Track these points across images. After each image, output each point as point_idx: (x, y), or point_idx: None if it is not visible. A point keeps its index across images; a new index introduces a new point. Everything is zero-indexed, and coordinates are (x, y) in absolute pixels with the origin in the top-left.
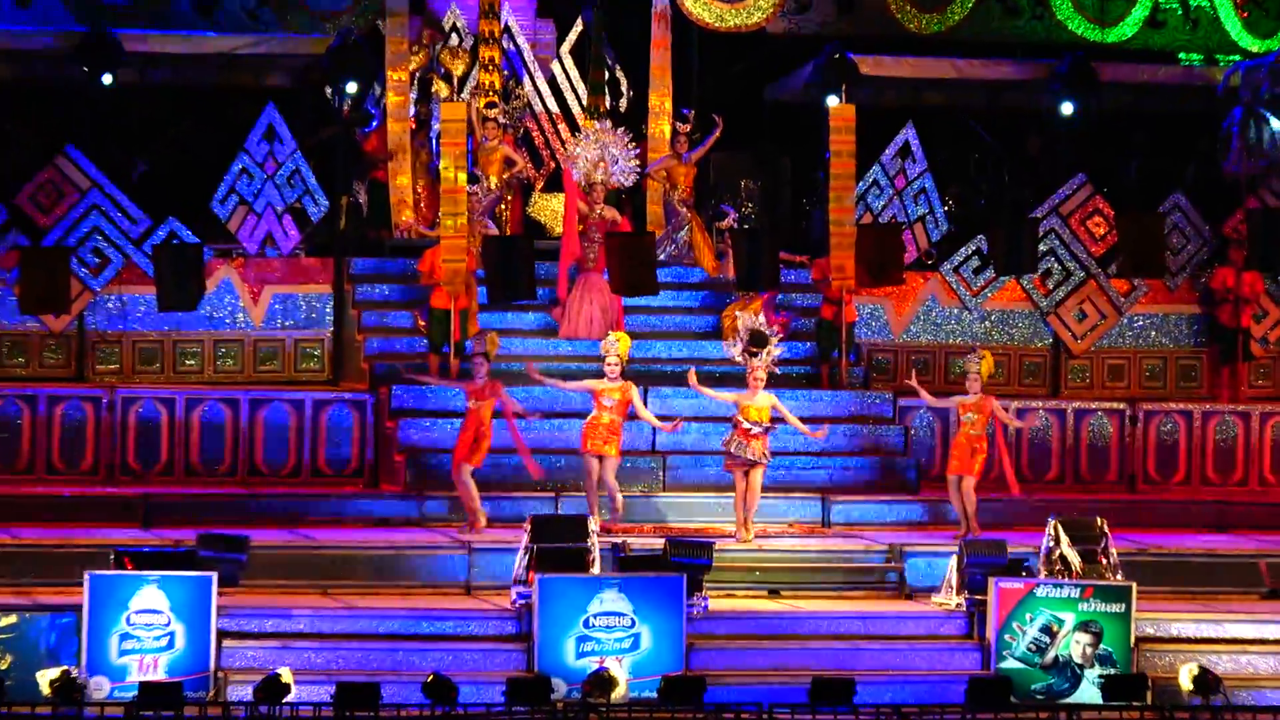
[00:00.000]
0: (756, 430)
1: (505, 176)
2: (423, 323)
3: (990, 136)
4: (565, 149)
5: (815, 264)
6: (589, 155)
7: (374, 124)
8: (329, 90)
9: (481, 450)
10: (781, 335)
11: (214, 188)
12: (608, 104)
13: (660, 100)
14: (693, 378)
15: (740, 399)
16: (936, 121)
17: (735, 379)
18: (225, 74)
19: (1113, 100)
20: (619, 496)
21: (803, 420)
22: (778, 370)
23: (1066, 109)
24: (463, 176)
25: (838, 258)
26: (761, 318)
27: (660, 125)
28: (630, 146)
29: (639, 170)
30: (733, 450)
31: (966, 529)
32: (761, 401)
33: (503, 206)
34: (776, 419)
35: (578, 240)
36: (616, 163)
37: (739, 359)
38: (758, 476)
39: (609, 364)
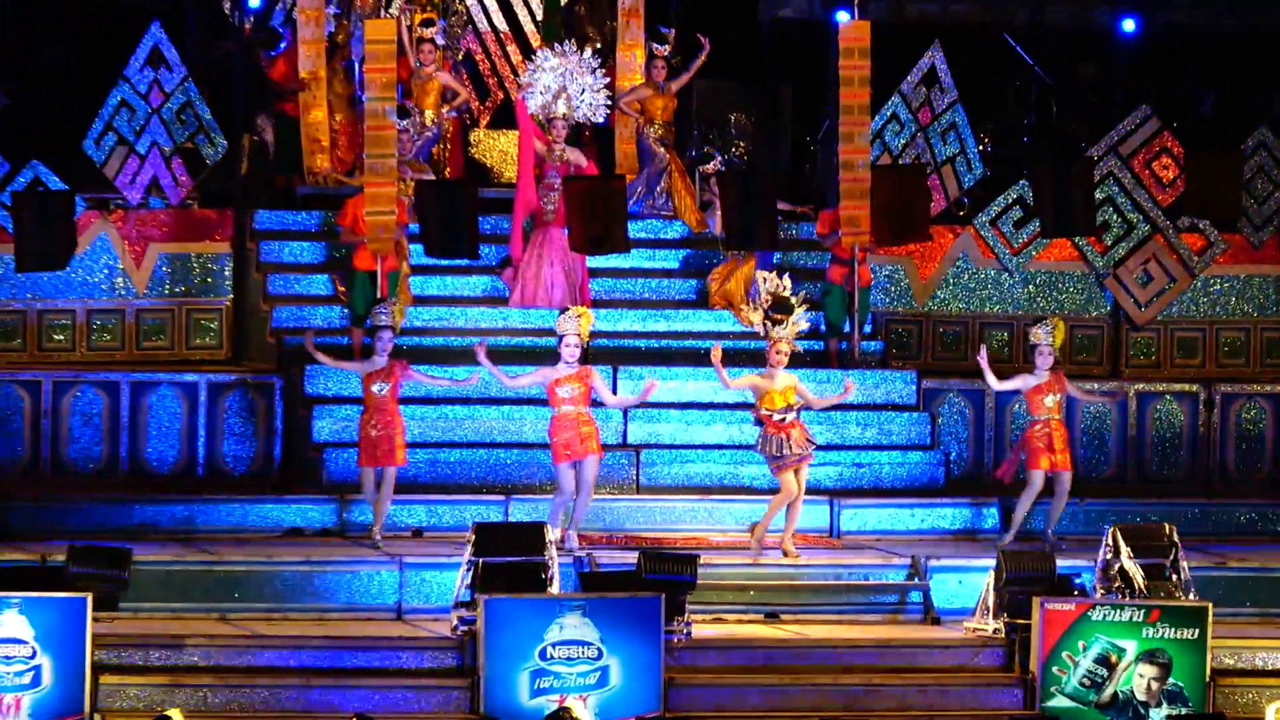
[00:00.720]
0: (791, 417)
1: (444, 110)
2: (343, 288)
3: (1034, 60)
4: (517, 77)
5: (821, 216)
6: (548, 84)
7: (282, 45)
8: (226, 4)
9: (397, 446)
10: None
11: (87, 124)
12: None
13: (629, 18)
14: (717, 355)
15: (758, 383)
16: (969, 42)
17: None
18: None
19: (1183, 15)
20: (588, 501)
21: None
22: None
23: (1128, 26)
24: (391, 111)
25: (849, 208)
26: (773, 281)
27: (633, 49)
28: (598, 73)
29: (608, 102)
30: (776, 451)
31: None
32: (784, 382)
33: (441, 146)
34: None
35: (534, 189)
36: (582, 93)
37: (759, 329)
38: (805, 474)
39: (567, 345)
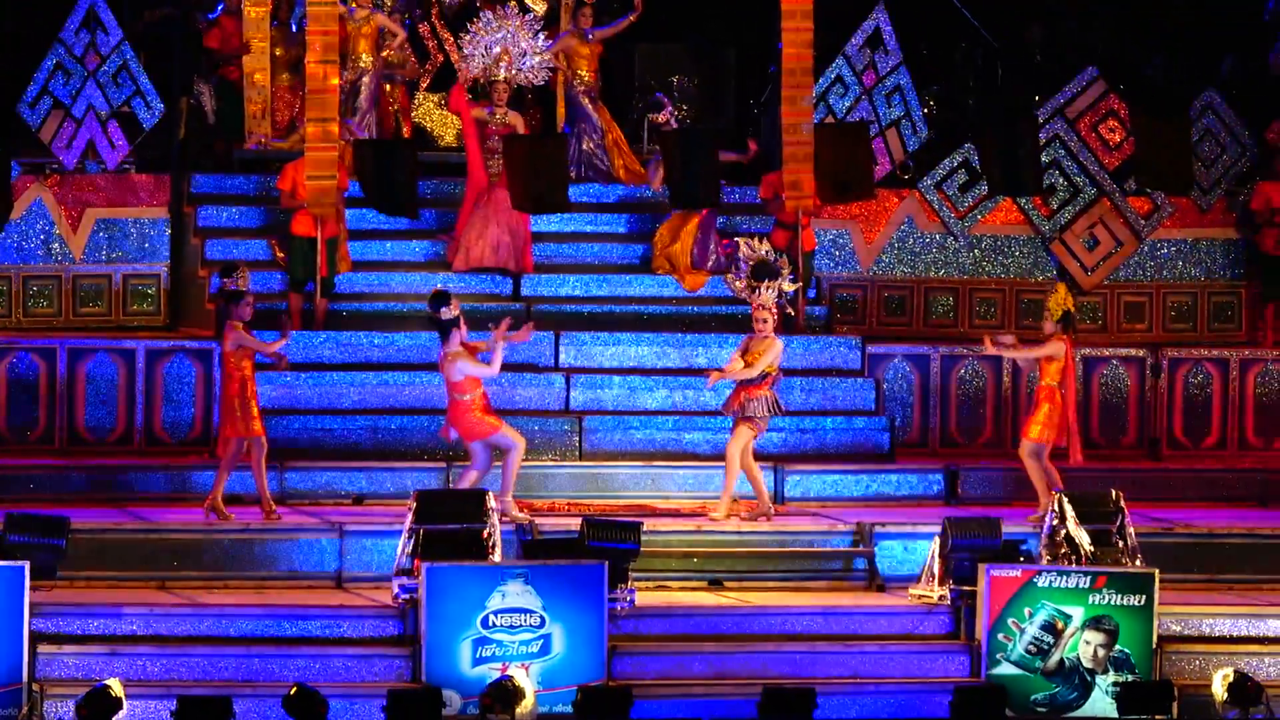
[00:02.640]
0: (737, 379)
1: (385, 56)
2: (282, 254)
3: (980, 22)
4: (457, 39)
5: (765, 180)
6: (489, 47)
7: (220, 8)
8: None
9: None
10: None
11: (22, 88)
12: None
13: None
14: (715, 380)
15: (751, 349)
16: (914, 3)
17: (665, 321)
18: None
19: None
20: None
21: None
22: (712, 311)
23: None
24: (333, 74)
25: (792, 171)
26: (754, 245)
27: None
28: (540, 36)
29: (551, 66)
30: (762, 412)
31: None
32: (771, 347)
33: (393, 110)
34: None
35: (483, 167)
36: (524, 56)
37: (743, 295)
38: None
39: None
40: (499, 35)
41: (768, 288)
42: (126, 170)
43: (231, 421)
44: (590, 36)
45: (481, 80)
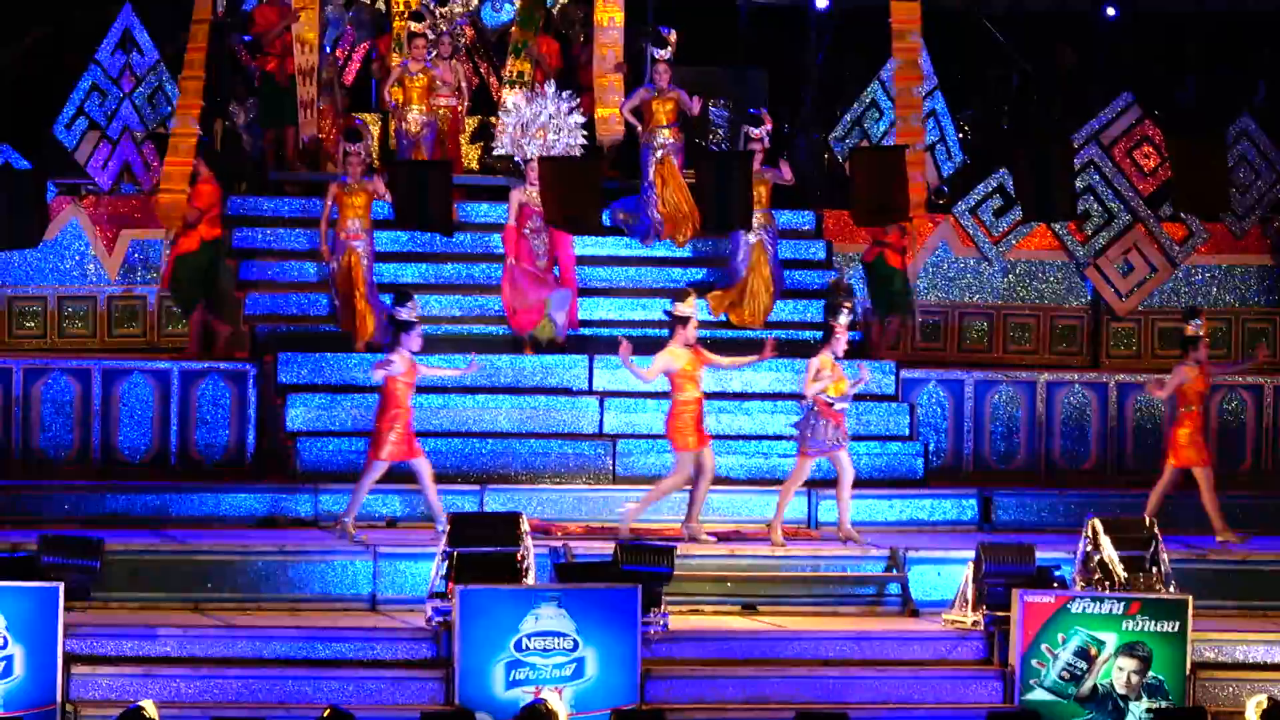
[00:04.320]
0: (841, 406)
1: (434, 102)
2: (167, 284)
3: (1015, 47)
4: (493, 66)
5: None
6: (524, 125)
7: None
8: None
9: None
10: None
11: (58, 109)
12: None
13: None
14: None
15: (826, 371)
16: (949, 29)
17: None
18: None
19: (1166, 1)
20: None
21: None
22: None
23: (1109, 11)
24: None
25: (914, 191)
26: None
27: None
28: (575, 110)
29: (585, 135)
30: (818, 436)
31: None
32: (838, 370)
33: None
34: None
35: (517, 245)
36: (559, 133)
37: (831, 321)
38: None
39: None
40: (533, 114)
41: (849, 310)
42: None
43: (381, 444)
44: (673, 90)
45: (518, 159)
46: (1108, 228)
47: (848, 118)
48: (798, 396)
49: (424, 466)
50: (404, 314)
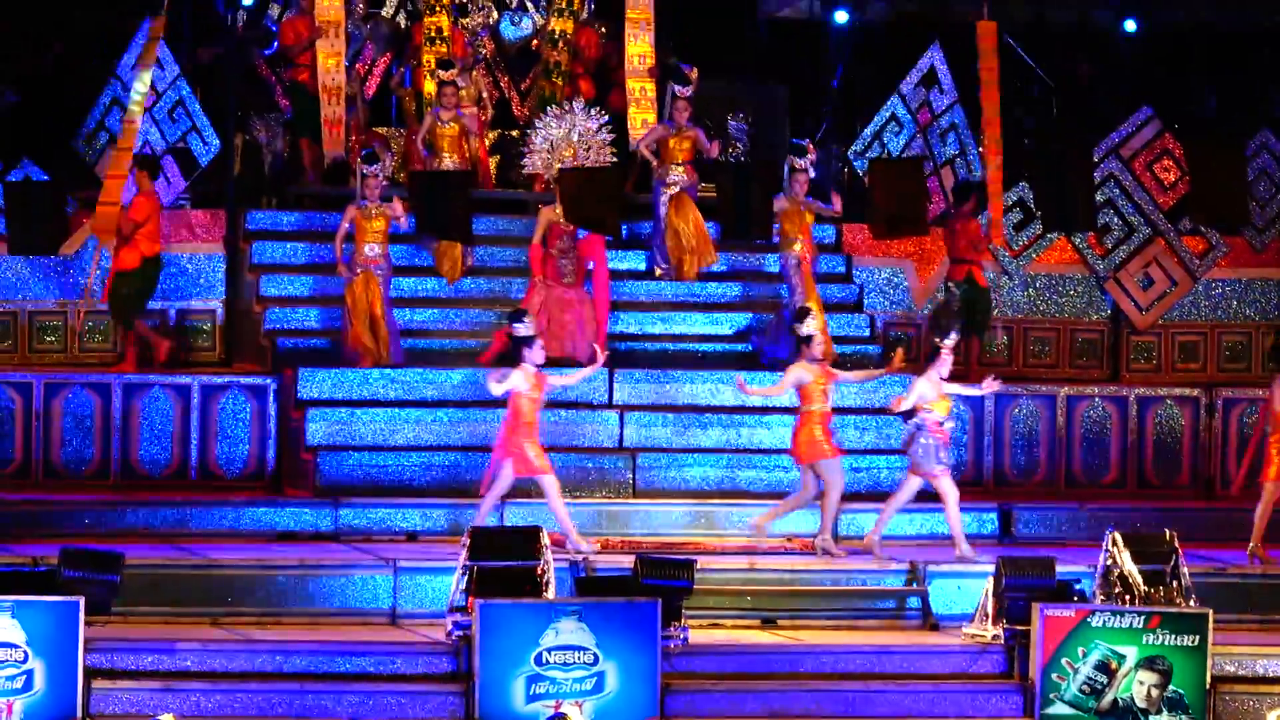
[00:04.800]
0: (949, 425)
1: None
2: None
3: (1035, 60)
4: (513, 81)
5: (948, 224)
6: (552, 142)
7: (275, 44)
8: (219, 3)
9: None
10: None
11: (78, 124)
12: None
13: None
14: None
15: (927, 391)
16: (969, 42)
17: (719, 359)
18: None
19: (1185, 14)
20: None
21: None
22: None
23: (1129, 26)
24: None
25: (993, 208)
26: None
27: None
28: (600, 120)
29: (613, 151)
30: (929, 456)
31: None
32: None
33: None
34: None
35: (542, 264)
36: (588, 150)
37: (939, 342)
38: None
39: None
40: (561, 131)
41: (956, 331)
42: (182, 206)
43: (518, 459)
44: (685, 129)
45: (546, 177)
46: (1128, 241)
47: (867, 132)
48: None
49: (551, 483)
50: (522, 330)
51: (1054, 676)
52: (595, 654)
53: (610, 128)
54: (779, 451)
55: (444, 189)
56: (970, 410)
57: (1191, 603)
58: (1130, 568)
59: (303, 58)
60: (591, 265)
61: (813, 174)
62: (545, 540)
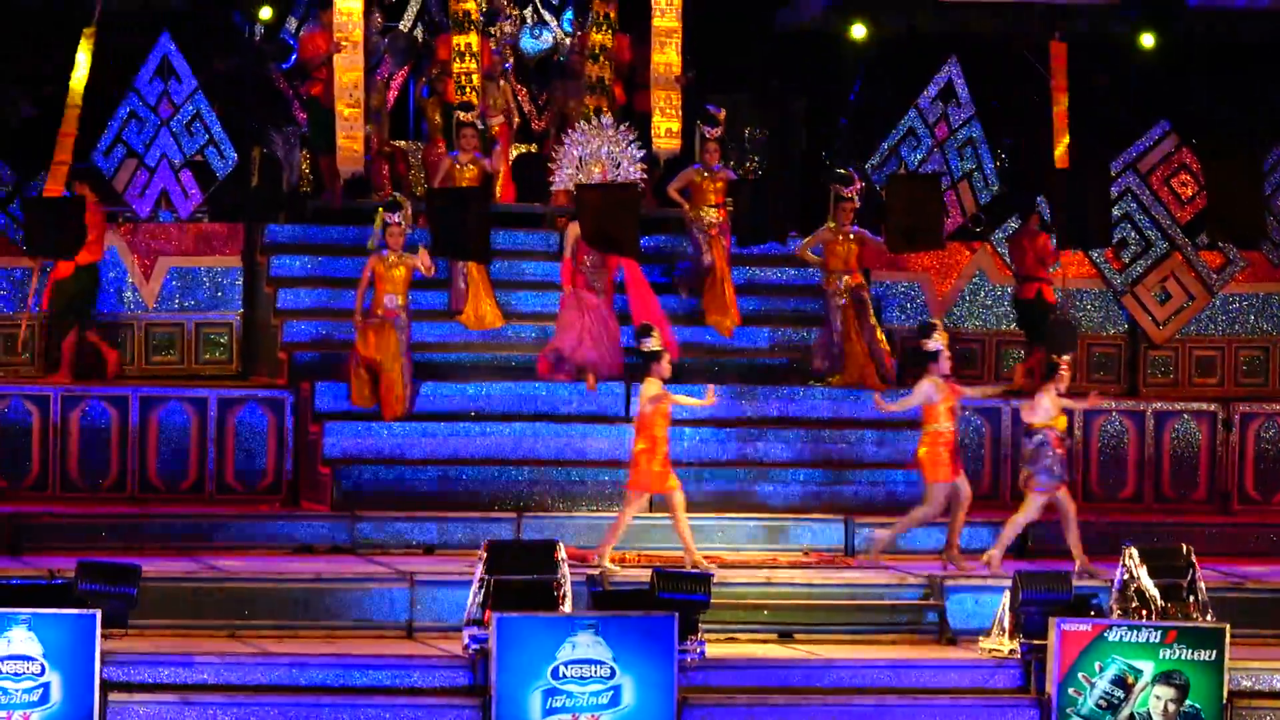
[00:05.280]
0: (1068, 441)
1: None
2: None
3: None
4: (530, 93)
5: (1015, 241)
6: (581, 159)
7: (294, 58)
8: (237, 15)
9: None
10: None
11: (96, 137)
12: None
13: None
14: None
15: (1051, 404)
16: (986, 56)
17: (737, 373)
18: None
19: (1203, 29)
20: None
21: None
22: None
23: (1146, 40)
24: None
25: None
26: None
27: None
28: (634, 145)
29: (644, 170)
30: (1057, 469)
31: None
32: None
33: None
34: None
35: (572, 277)
36: (618, 167)
37: (1056, 358)
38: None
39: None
40: (591, 148)
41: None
42: (200, 219)
43: (638, 475)
44: (715, 172)
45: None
46: (1145, 256)
47: (885, 145)
48: (838, 423)
49: (678, 499)
50: (650, 343)
51: (1071, 691)
52: (612, 668)
53: (640, 144)
54: (795, 465)
55: (461, 207)
56: (988, 424)
57: (1208, 617)
58: (1147, 582)
59: (319, 72)
60: (622, 274)
61: (858, 204)
62: (562, 554)
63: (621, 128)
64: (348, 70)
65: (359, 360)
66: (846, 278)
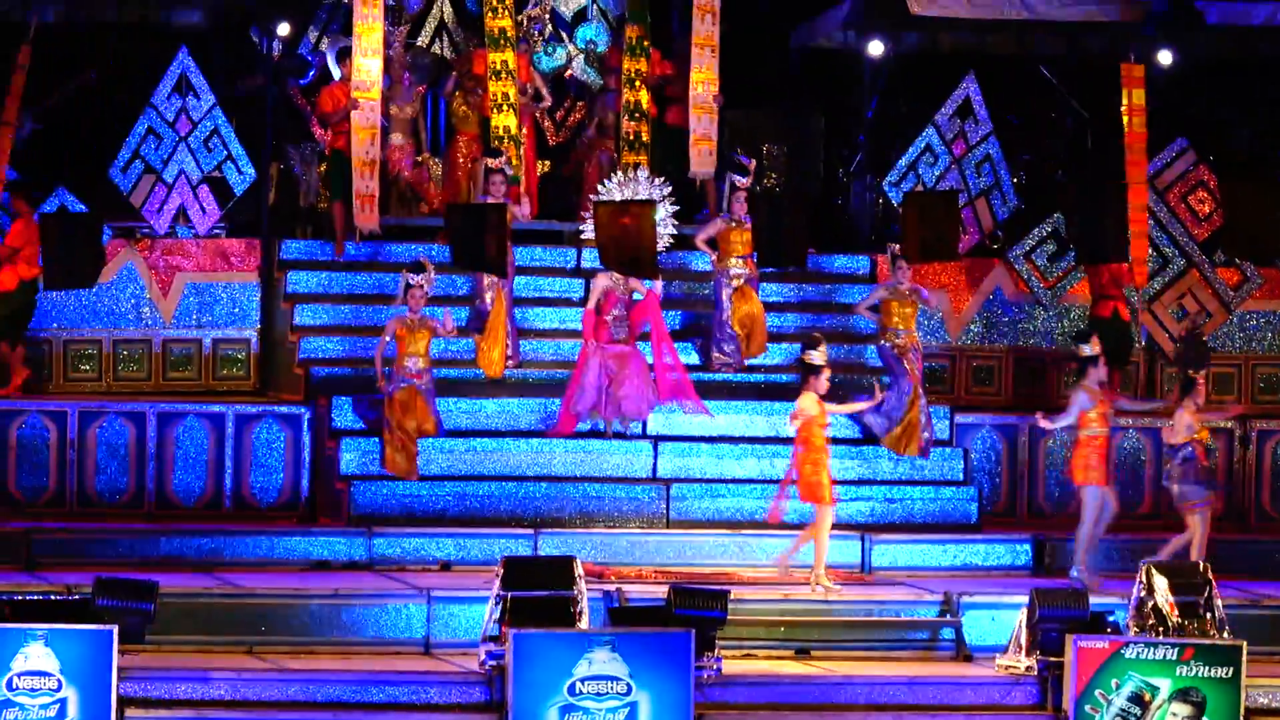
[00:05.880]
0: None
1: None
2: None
3: (1070, 92)
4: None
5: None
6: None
7: (311, 74)
8: (255, 33)
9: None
10: None
11: (114, 153)
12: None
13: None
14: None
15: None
16: (1003, 73)
17: (753, 389)
18: (127, 11)
19: (1221, 47)
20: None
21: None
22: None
23: (1164, 58)
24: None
25: (1137, 249)
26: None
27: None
28: (665, 200)
29: (674, 230)
30: (1202, 488)
31: None
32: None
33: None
34: None
35: (594, 330)
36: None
37: (1193, 373)
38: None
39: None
40: (624, 193)
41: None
42: (217, 235)
43: (808, 487)
44: (743, 222)
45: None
46: (1162, 273)
47: (902, 162)
48: (854, 441)
49: (829, 515)
50: (815, 358)
51: (1087, 708)
52: (629, 684)
53: (673, 197)
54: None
55: (480, 222)
56: (1004, 441)
57: (1225, 635)
58: (1164, 599)
59: (342, 124)
60: (648, 327)
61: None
62: (579, 570)
63: (656, 181)
64: (365, 129)
65: (392, 425)
66: (902, 337)
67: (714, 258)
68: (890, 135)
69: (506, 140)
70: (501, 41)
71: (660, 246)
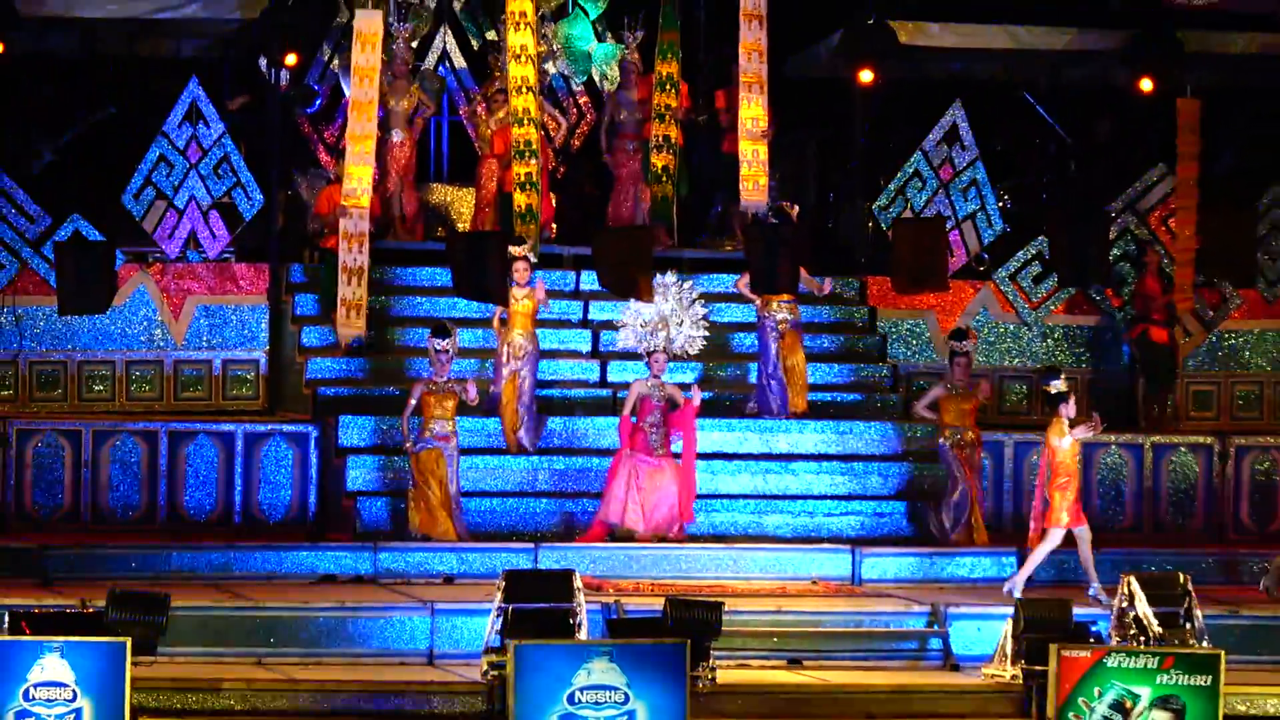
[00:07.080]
0: None
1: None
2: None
3: (1053, 118)
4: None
5: (1138, 285)
6: (647, 320)
7: (318, 103)
8: (263, 61)
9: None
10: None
11: (127, 178)
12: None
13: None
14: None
15: None
16: (989, 100)
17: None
18: (139, 42)
19: (1200, 75)
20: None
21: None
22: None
23: (1145, 85)
24: None
25: (1183, 276)
26: None
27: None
28: (696, 305)
29: (706, 334)
30: None
31: None
32: None
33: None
34: None
35: (631, 436)
36: (680, 325)
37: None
38: None
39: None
40: (654, 307)
41: None
42: (227, 259)
43: (1056, 513)
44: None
45: (641, 351)
46: None
47: (891, 187)
48: (845, 457)
49: (1086, 534)
50: (1058, 385)
51: (1071, 716)
52: (626, 693)
53: (703, 301)
54: (804, 497)
55: (482, 250)
56: (991, 457)
57: (1204, 644)
58: (1145, 610)
59: (335, 227)
60: (679, 437)
61: (973, 356)
62: (578, 583)
63: (685, 285)
64: (353, 237)
65: (418, 484)
66: (963, 435)
67: (759, 304)
68: (881, 161)
69: (526, 122)
70: (524, 89)
71: (694, 350)
